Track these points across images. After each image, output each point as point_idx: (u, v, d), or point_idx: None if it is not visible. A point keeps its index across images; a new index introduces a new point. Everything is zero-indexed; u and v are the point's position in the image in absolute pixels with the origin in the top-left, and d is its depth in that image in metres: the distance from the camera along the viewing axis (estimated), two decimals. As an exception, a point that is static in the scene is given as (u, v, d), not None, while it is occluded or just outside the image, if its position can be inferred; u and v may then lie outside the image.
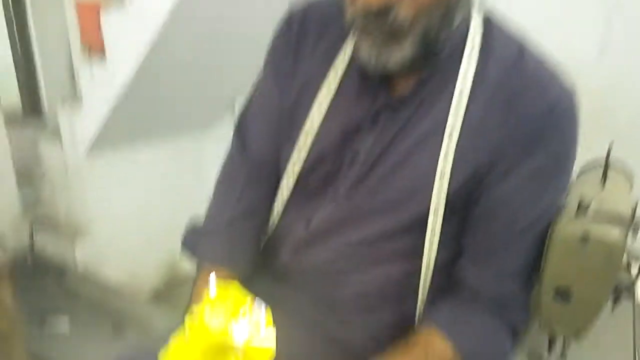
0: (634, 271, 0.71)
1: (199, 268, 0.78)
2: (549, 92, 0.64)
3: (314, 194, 0.74)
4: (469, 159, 0.65)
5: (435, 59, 0.65)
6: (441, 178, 0.65)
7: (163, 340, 0.69)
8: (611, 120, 1.58)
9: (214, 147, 2.38)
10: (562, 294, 0.67)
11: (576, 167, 0.91)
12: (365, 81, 0.69)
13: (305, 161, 0.73)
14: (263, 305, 0.53)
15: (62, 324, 2.01)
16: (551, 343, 0.76)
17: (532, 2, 1.59)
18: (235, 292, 0.53)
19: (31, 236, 2.34)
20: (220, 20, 1.60)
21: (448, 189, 0.65)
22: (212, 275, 0.54)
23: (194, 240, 0.82)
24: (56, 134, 2.08)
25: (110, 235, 2.25)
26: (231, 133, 0.83)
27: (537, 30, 1.60)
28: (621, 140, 1.59)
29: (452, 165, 0.64)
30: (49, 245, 2.31)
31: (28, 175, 2.31)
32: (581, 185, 0.82)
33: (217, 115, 2.26)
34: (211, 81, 1.86)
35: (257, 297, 0.53)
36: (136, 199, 2.28)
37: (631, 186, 0.91)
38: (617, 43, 1.51)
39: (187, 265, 2.74)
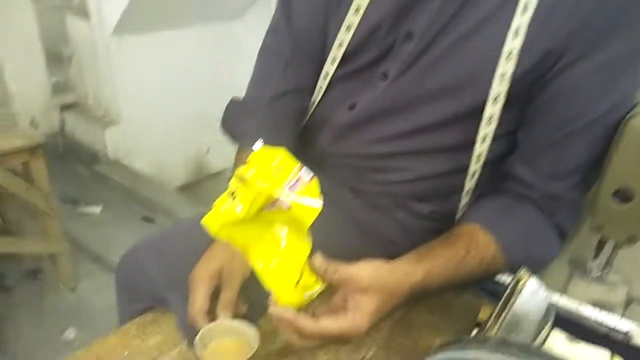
0: None
1: (240, 148, 0.75)
2: None
3: (360, 75, 0.68)
4: (541, 40, 0.57)
5: None
6: (507, 59, 0.57)
7: (186, 227, 0.70)
8: None
9: (247, 36, 2.30)
10: (623, 195, 0.64)
11: None
12: None
13: (354, 37, 0.66)
14: (310, 175, 0.49)
15: (94, 207, 2.08)
16: (599, 249, 0.72)
17: None
18: (284, 155, 0.50)
19: (61, 120, 2.35)
20: None
21: (513, 72, 0.58)
22: (259, 142, 0.51)
23: (234, 120, 0.77)
24: (83, 11, 2.00)
25: (140, 123, 2.25)
26: (265, 22, 0.76)
27: None
28: None
29: (522, 45, 0.57)
30: (79, 129, 2.33)
31: (57, 56, 2.27)
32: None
33: (250, 2, 2.14)
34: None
35: (305, 167, 0.50)
36: (164, 87, 2.24)
37: None
38: None
39: (215, 159, 2.79)
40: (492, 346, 0.38)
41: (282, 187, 0.47)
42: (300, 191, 0.48)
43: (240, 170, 0.48)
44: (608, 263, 0.73)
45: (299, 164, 0.50)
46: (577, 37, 0.56)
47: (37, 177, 1.44)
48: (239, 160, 0.71)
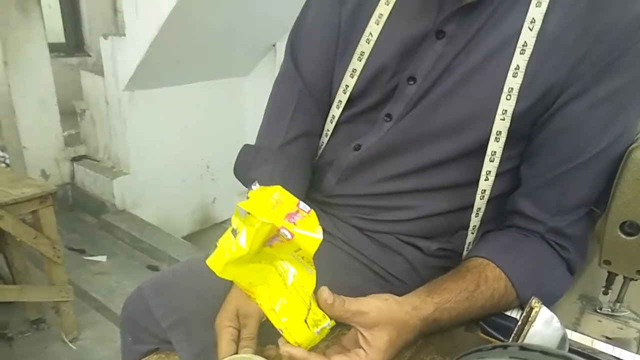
0: None
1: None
2: (638, 2, 0.56)
3: (365, 117, 0.70)
4: (542, 78, 0.58)
5: None
6: (508, 97, 0.59)
7: (190, 268, 0.69)
8: None
9: (253, 90, 2.37)
10: (629, 228, 0.63)
11: None
12: None
13: (358, 81, 0.68)
14: (308, 208, 0.50)
15: (99, 256, 2.07)
16: (608, 284, 0.71)
17: None
18: (282, 191, 0.51)
19: (72, 171, 2.39)
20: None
21: (514, 110, 0.59)
22: (256, 184, 0.52)
23: (247, 166, 0.79)
24: (98, 67, 2.09)
25: (148, 174, 2.28)
26: (271, 79, 0.78)
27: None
28: None
29: (522, 83, 0.58)
30: (88, 181, 2.36)
31: (70, 111, 2.35)
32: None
33: (257, 59, 2.22)
34: (251, 25, 1.81)
35: (301, 202, 0.51)
36: (174, 139, 2.29)
37: None
38: None
39: (221, 209, 2.79)
40: (514, 351, 0.37)
41: (282, 218, 0.47)
42: (301, 222, 0.48)
43: (241, 206, 0.48)
44: (619, 298, 0.71)
45: (297, 199, 0.50)
46: (577, 73, 0.57)
47: (45, 225, 1.45)
48: None
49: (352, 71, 0.68)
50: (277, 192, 0.50)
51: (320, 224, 0.48)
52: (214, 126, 2.38)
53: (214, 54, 1.95)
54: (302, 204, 0.50)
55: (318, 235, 0.47)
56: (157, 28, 1.65)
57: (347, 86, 0.69)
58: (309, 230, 0.47)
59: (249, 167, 0.74)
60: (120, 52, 1.86)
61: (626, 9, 0.56)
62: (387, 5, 0.66)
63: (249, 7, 1.69)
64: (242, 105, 2.41)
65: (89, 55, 2.41)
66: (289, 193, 0.51)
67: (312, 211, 0.49)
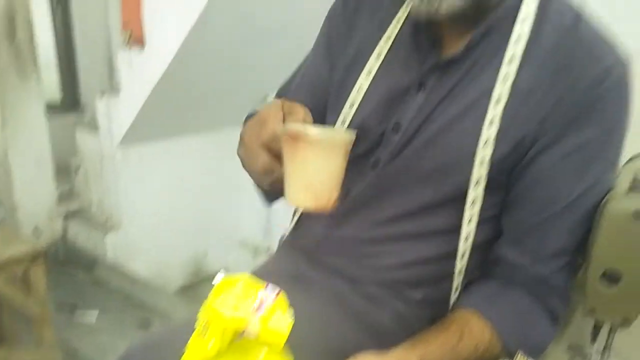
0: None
1: None
2: (602, 60, 0.60)
3: (354, 164, 0.72)
4: (515, 128, 0.62)
5: (487, 18, 0.63)
6: (485, 146, 0.62)
7: (180, 330, 0.69)
8: None
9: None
10: (611, 277, 0.64)
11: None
12: (415, 42, 0.68)
13: (350, 128, 0.72)
14: (276, 291, 0.51)
15: (91, 314, 2.04)
16: (595, 333, 0.72)
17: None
18: (246, 280, 0.52)
19: (64, 228, 2.39)
20: (254, 15, 1.61)
21: (491, 158, 0.62)
22: (219, 274, 0.53)
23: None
24: (93, 124, 2.13)
25: (140, 229, 2.28)
26: None
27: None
28: None
29: (497, 133, 0.62)
30: (80, 236, 2.36)
31: (64, 167, 2.37)
32: (636, 162, 0.78)
33: (250, 109, 2.27)
34: (244, 77, 1.87)
35: (270, 284, 0.51)
36: (167, 193, 2.31)
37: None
38: None
39: (213, 262, 2.77)
40: None
41: (248, 313, 0.48)
42: (267, 313, 0.49)
43: (206, 303, 0.49)
44: (607, 347, 0.72)
45: (262, 286, 0.51)
46: (549, 124, 0.61)
47: (35, 284, 1.44)
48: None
49: (343, 119, 0.73)
50: (242, 282, 0.51)
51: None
52: (208, 177, 2.40)
53: (208, 106, 2.01)
54: (270, 289, 0.50)
55: (285, 324, 0.48)
56: (151, 85, 1.70)
57: None
58: (275, 320, 0.48)
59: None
60: (115, 109, 1.91)
61: (590, 67, 0.60)
62: (378, 60, 0.71)
63: (243, 60, 1.75)
64: (236, 155, 2.45)
65: (85, 112, 2.46)
66: (254, 280, 0.51)
67: (281, 294, 0.50)
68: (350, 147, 0.59)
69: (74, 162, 2.35)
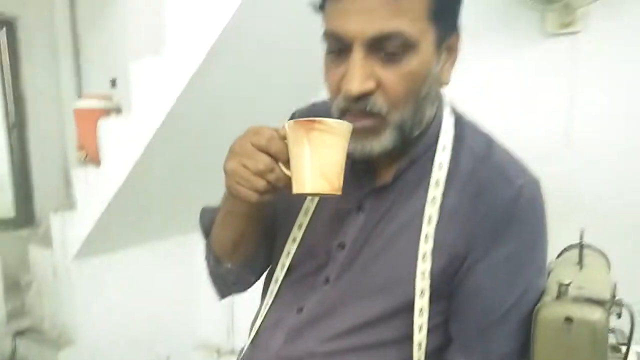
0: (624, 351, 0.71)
1: None
2: (514, 181, 0.68)
3: (307, 280, 0.77)
4: (448, 244, 0.68)
5: (412, 150, 0.71)
6: (423, 261, 0.67)
7: None
8: (580, 203, 1.68)
9: (202, 251, 2.39)
10: (554, 381, 0.67)
11: (556, 247, 0.95)
12: (353, 170, 0.74)
13: (299, 248, 0.77)
14: None
15: None
16: None
17: (500, 104, 1.77)
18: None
19: (13, 347, 2.25)
20: (210, 128, 1.71)
21: (431, 271, 0.67)
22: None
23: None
24: (47, 240, 2.09)
25: (96, 343, 2.17)
26: None
27: (507, 128, 1.75)
28: (593, 220, 1.67)
29: (433, 248, 0.67)
30: (31, 354, 2.22)
31: (15, 284, 2.28)
32: (561, 267, 0.84)
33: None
34: (195, 188, 1.91)
35: None
36: (123, 303, 2.23)
37: (609, 266, 0.94)
38: (579, 133, 1.66)
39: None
40: None
41: None
42: None
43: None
44: None
45: None
46: (476, 241, 0.67)
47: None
48: None
49: (293, 239, 0.78)
50: None
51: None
52: (165, 284, 2.36)
53: (161, 217, 2.02)
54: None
55: None
56: (107, 200, 1.72)
57: (289, 252, 0.78)
58: None
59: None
60: (70, 224, 1.89)
61: (504, 189, 0.68)
62: None
63: (194, 173, 1.81)
64: (193, 260, 2.43)
65: (39, 227, 2.42)
66: None
67: None
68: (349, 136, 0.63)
69: (26, 278, 2.28)
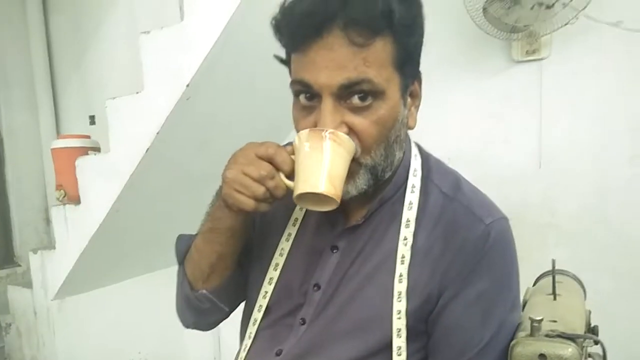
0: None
1: None
2: (482, 220, 0.70)
3: (284, 322, 0.77)
4: (422, 284, 0.69)
5: (382, 191, 0.73)
6: (399, 300, 0.68)
7: None
8: (554, 218, 1.74)
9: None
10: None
11: (530, 274, 0.98)
12: (324, 212, 0.74)
13: (275, 288, 0.78)
14: None
15: None
16: None
17: (473, 130, 1.82)
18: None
19: (-8, 391, 2.19)
20: (189, 164, 1.72)
21: (406, 310, 0.68)
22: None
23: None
24: (27, 280, 2.05)
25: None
26: None
27: (482, 153, 1.80)
28: (566, 235, 1.73)
29: (407, 287, 0.69)
30: (11, 399, 2.16)
31: (-6, 325, 2.23)
32: (535, 298, 0.86)
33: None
34: (176, 224, 1.91)
35: None
36: (106, 340, 2.19)
37: (583, 291, 0.96)
38: (549, 153, 1.72)
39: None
40: None
41: None
42: None
43: None
44: None
45: None
46: (447, 280, 0.68)
47: None
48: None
49: (270, 279, 0.78)
50: None
51: None
52: (150, 319, 2.32)
53: (142, 253, 2.00)
54: None
55: None
56: (86, 239, 1.70)
57: (266, 292, 0.78)
58: None
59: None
60: (50, 264, 1.87)
61: (473, 228, 0.69)
62: (294, 225, 0.79)
63: (175, 209, 1.80)
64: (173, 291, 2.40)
65: (19, 266, 2.38)
66: None
67: None
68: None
69: (5, 320, 2.22)
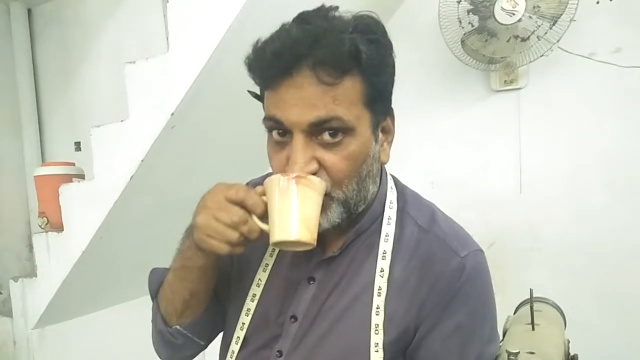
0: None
1: None
2: (458, 253, 0.71)
3: (261, 354, 0.77)
4: (399, 316, 0.70)
5: (358, 223, 0.74)
6: (376, 333, 0.69)
7: None
8: (535, 242, 1.77)
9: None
10: None
11: (515, 296, 0.99)
12: None
13: (252, 320, 0.78)
14: None
15: None
16: None
17: (454, 158, 1.87)
18: None
19: None
20: (173, 192, 1.72)
21: (383, 342, 0.69)
22: None
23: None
24: (7, 309, 2.01)
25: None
26: None
27: (463, 180, 1.84)
28: (546, 257, 1.76)
29: (384, 320, 0.69)
30: None
31: (-28, 355, 2.17)
32: (514, 327, 0.87)
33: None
34: (160, 251, 1.90)
35: None
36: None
37: (563, 319, 0.97)
38: (528, 180, 1.77)
39: None
40: None
41: None
42: None
43: None
44: None
45: None
46: (424, 312, 0.69)
47: None
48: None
49: (247, 310, 0.78)
50: None
51: None
52: (133, 347, 2.28)
53: (125, 280, 1.98)
54: None
55: None
56: (69, 266, 1.68)
57: (243, 324, 0.78)
58: None
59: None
60: (30, 292, 1.84)
61: (448, 263, 0.70)
62: (271, 256, 0.79)
63: (159, 235, 1.80)
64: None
65: (0, 293, 2.33)
66: None
67: None
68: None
69: (-17, 350, 2.17)
